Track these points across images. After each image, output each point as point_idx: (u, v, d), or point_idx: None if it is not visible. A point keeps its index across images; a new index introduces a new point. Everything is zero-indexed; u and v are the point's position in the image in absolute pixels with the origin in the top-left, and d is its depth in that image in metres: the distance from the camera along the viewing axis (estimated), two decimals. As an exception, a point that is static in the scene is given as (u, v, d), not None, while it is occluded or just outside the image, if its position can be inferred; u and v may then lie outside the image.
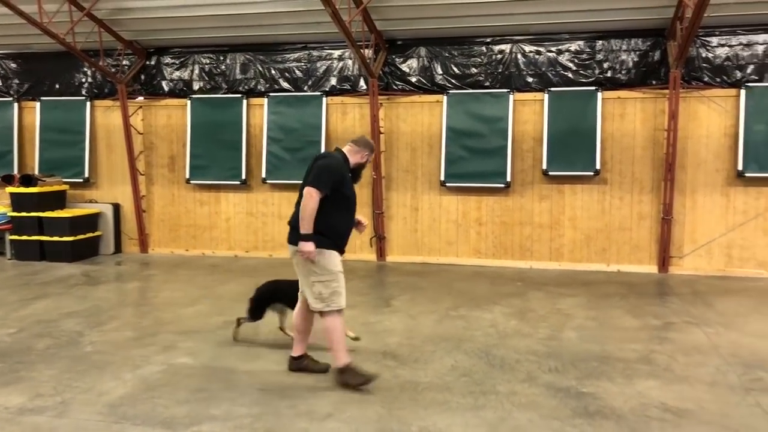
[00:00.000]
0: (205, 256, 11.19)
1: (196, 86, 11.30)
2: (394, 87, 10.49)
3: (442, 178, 10.25)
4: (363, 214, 10.49)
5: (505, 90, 10.01)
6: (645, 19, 9.28)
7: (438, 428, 4.18)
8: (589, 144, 9.64)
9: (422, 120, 10.43)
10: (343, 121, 10.68)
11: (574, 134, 9.70)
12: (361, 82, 10.54)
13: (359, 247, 10.63)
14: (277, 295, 5.90)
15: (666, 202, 9.43)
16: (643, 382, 5.04)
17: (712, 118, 9.43)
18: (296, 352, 5.23)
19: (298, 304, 5.23)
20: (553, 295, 8.13)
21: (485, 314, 7.18)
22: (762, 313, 7.29)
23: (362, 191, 10.45)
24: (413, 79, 10.45)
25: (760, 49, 9.26)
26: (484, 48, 10.20)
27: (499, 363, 5.49)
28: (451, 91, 10.20)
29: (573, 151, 9.72)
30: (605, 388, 4.93)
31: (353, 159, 5.05)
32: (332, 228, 4.83)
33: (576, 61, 9.86)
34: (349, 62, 10.63)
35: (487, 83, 10.18)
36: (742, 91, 9.20)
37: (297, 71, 10.86)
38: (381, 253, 10.60)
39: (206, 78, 11.27)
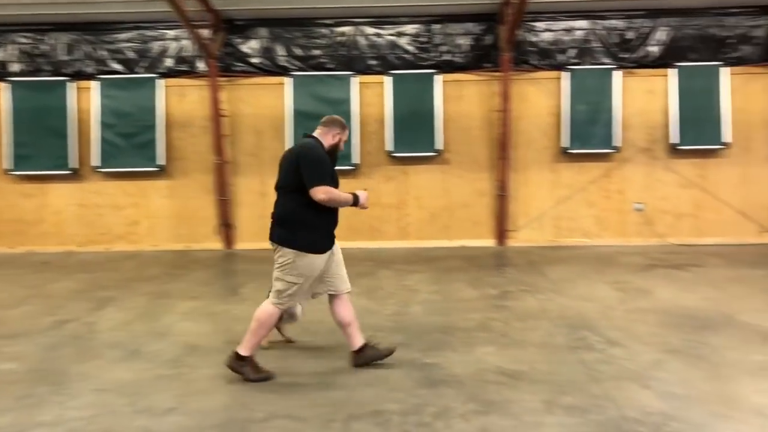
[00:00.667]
0: (34, 252, 10.31)
1: (14, 68, 10.31)
2: (235, 68, 10.21)
3: (289, 162, 10.14)
4: (207, 201, 10.27)
5: (349, 72, 10.07)
6: (477, 4, 9.71)
7: (285, 411, 4.14)
8: (430, 125, 9.97)
9: (266, 102, 10.25)
10: (181, 104, 10.24)
11: (416, 116, 9.99)
12: (200, 64, 10.15)
13: (205, 236, 10.31)
14: None
15: (501, 179, 9.98)
16: (481, 349, 5.31)
17: (540, 98, 10.09)
18: (356, 345, 4.90)
19: (331, 301, 4.94)
20: (401, 273, 8.36)
21: (334, 295, 7.21)
22: (586, 278, 7.95)
23: (206, 177, 10.15)
24: (255, 61, 10.24)
25: (579, 34, 10.02)
26: (326, 30, 10.19)
27: (346, 342, 5.53)
28: (294, 73, 10.10)
29: (415, 132, 10.00)
30: (447, 357, 5.13)
31: (326, 142, 4.71)
32: (319, 224, 4.57)
33: (415, 44, 10.13)
34: (186, 43, 10.19)
35: (331, 65, 10.19)
36: (565, 74, 9.91)
37: (129, 52, 10.26)
38: (228, 241, 10.33)
39: (26, 59, 10.32)
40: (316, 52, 10.18)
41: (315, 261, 4.58)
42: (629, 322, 6.06)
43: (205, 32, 9.59)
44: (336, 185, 4.65)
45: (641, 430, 3.86)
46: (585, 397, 4.35)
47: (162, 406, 4.24)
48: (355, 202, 4.60)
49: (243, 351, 4.65)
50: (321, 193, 4.40)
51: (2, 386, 4.66)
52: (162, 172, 10.22)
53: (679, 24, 9.95)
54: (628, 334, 5.70)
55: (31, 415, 4.16)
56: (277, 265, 4.61)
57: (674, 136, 9.91)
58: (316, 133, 4.76)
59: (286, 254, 4.53)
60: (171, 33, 10.20)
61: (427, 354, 5.20)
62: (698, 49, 9.96)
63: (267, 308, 4.65)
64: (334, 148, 4.79)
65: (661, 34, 9.97)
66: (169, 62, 10.23)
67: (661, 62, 9.97)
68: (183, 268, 8.98)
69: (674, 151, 9.99)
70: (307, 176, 4.43)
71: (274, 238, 4.63)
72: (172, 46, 10.23)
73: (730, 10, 9.93)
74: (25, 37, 10.29)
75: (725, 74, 9.83)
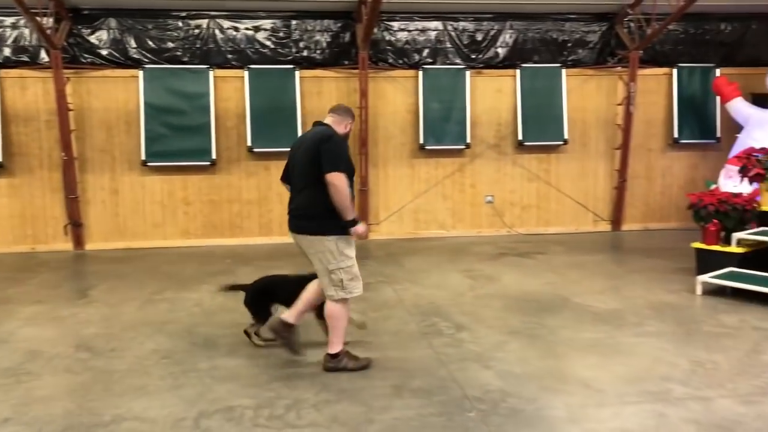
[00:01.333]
0: None
1: None
2: (83, 60, 9.68)
3: (144, 158, 9.78)
4: (54, 200, 9.69)
5: (205, 66, 9.86)
6: (334, 2, 9.82)
7: (133, 413, 4.05)
8: (291, 121, 9.97)
9: (117, 96, 9.80)
10: (23, 97, 9.57)
11: (276, 111, 9.96)
12: (43, 54, 9.53)
13: (52, 236, 9.73)
14: (274, 292, 5.31)
15: (362, 174, 10.19)
16: (334, 340, 5.44)
17: (398, 96, 10.40)
18: (291, 319, 4.80)
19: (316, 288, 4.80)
20: (262, 269, 8.26)
21: (192, 294, 7.09)
22: (441, 267, 8.33)
23: (52, 175, 9.60)
24: (104, 52, 9.75)
25: (432, 34, 10.42)
26: (180, 22, 9.89)
27: (202, 341, 5.48)
28: (147, 66, 9.74)
29: (276, 128, 9.97)
30: (304, 350, 5.20)
31: (338, 130, 4.68)
32: None
33: (274, 39, 10.08)
34: (27, 31, 9.52)
35: (186, 58, 9.92)
36: (420, 72, 10.28)
37: (-42, 39, 9.42)
38: (78, 241, 9.79)
39: None
40: (171, 44, 9.85)
41: (352, 241, 4.63)
42: (477, 307, 6.45)
43: (48, 21, 9.00)
44: (353, 174, 4.64)
45: (480, 407, 4.15)
46: (432, 379, 4.61)
47: (-3, 418, 4.01)
48: (354, 222, 4.49)
49: (333, 350, 4.68)
50: (338, 179, 4.36)
51: None
52: (1, 170, 9.49)
53: (523, 28, 10.61)
54: (474, 318, 6.07)
55: None
56: (323, 261, 4.54)
57: (520, 133, 10.57)
58: (328, 121, 4.75)
59: (328, 243, 4.49)
60: (8, 21, 9.46)
61: (280, 349, 5.24)
62: (540, 52, 10.67)
63: (336, 306, 4.62)
64: (346, 137, 4.81)
65: (508, 37, 10.59)
66: (6, 52, 9.49)
67: (508, 63, 10.59)
68: (27, 272, 8.43)
69: (520, 146, 10.66)
70: (328, 159, 4.38)
71: (310, 230, 4.53)
72: (10, 34, 9.51)
73: (569, 16, 10.72)
74: None
75: (564, 75, 10.61)
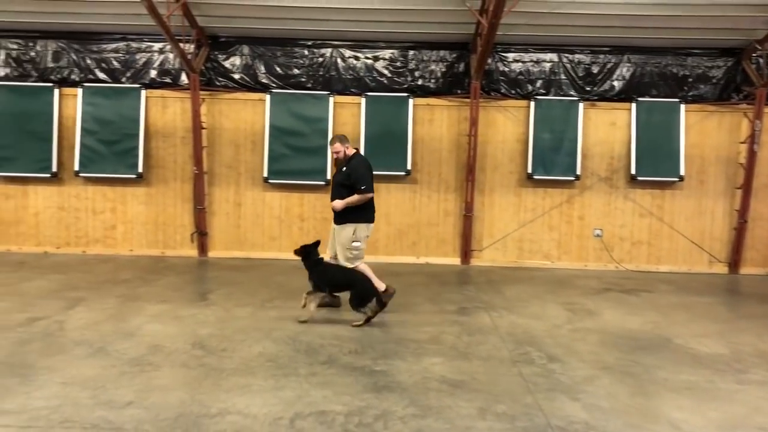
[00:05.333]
0: (10, 252, 10.55)
1: (0, 73, 10.59)
2: (217, 83, 10.57)
3: (265, 175, 10.50)
4: (184, 209, 10.60)
5: (326, 92, 10.47)
6: (450, 33, 10.15)
7: (237, 409, 4.47)
8: (402, 146, 10.37)
9: (245, 117, 10.60)
10: (163, 115, 10.57)
11: (388, 136, 10.39)
12: (183, 77, 10.50)
13: (180, 243, 10.61)
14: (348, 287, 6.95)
15: (468, 200, 10.40)
16: (429, 360, 5.67)
17: (507, 125, 10.54)
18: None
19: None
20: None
21: (299, 305, 7.53)
22: (540, 298, 8.35)
23: (183, 186, 10.48)
24: (236, 77, 10.59)
25: (546, 66, 10.50)
26: (306, 51, 10.58)
27: (304, 348, 5.88)
28: (274, 91, 10.48)
29: (387, 152, 10.39)
30: (396, 365, 5.48)
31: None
32: None
33: (391, 68, 10.55)
34: (171, 56, 10.54)
35: (309, 84, 10.58)
36: (532, 103, 10.37)
37: (115, 62, 10.57)
38: (203, 248, 10.63)
39: (13, 64, 10.59)
40: (296, 71, 10.56)
41: None
42: (572, 340, 6.45)
43: (189, 47, 9.94)
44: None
45: (561, 437, 4.23)
46: (517, 406, 4.72)
47: (122, 400, 4.55)
48: None
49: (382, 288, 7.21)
50: None
51: (-27, 377, 4.94)
52: (141, 180, 10.52)
53: (641, 61, 10.46)
54: (568, 351, 6.09)
55: (-1, 403, 4.45)
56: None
57: (633, 167, 10.38)
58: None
59: None
60: (156, 46, 10.53)
61: (376, 362, 5.54)
62: (658, 86, 10.47)
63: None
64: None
65: (625, 70, 10.48)
66: (153, 74, 10.56)
67: (624, 96, 10.46)
68: (156, 273, 9.27)
69: (633, 181, 10.46)
70: None
71: None
72: (157, 58, 10.57)
73: (691, 50, 10.46)
74: (14, 42, 10.56)
75: (683, 111, 10.33)
